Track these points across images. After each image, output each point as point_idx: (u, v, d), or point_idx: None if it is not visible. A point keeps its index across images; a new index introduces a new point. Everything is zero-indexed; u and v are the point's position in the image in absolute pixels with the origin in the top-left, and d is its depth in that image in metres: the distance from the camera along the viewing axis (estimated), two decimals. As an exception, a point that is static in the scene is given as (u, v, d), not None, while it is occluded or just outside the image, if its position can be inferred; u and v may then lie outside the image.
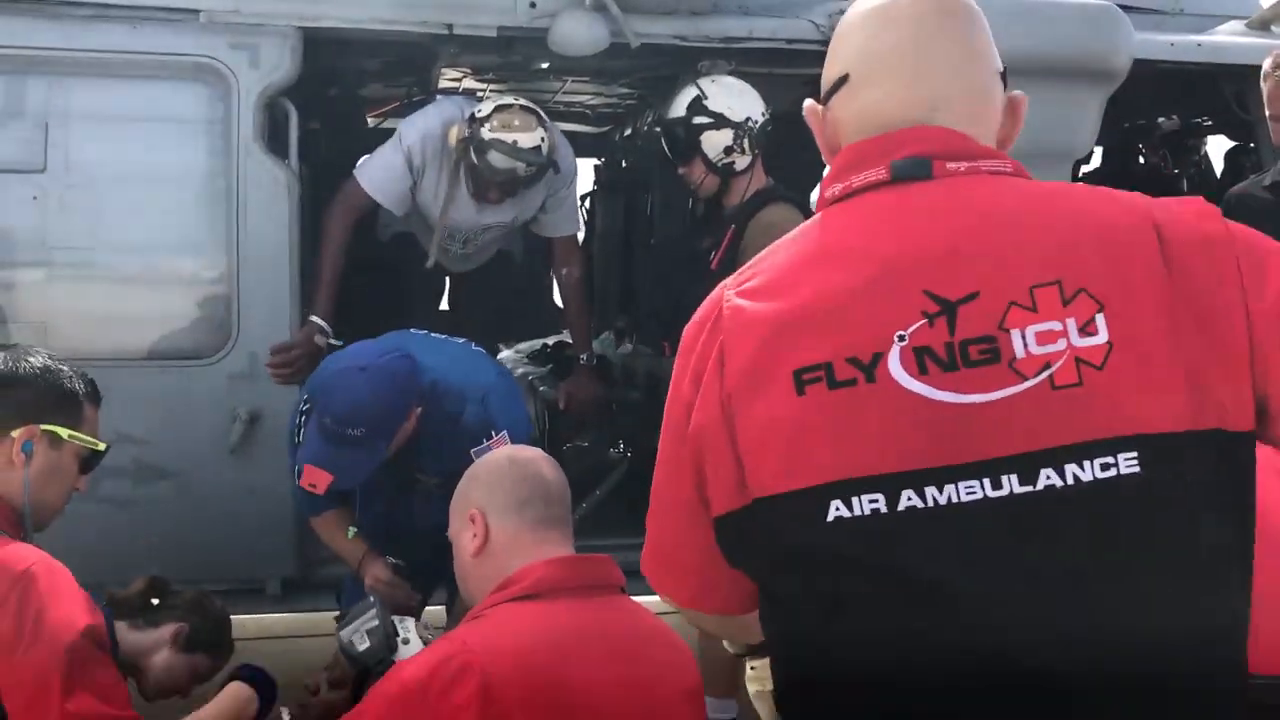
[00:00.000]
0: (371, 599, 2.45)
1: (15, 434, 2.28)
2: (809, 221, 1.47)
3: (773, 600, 1.42)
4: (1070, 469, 1.25)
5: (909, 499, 1.27)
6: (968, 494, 1.26)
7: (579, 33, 3.74)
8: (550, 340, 5.44)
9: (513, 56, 4.24)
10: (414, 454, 3.07)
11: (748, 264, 1.47)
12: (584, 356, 4.44)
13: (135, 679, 2.93)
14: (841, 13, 1.56)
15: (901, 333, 1.31)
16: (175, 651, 2.97)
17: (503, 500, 2.16)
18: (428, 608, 3.43)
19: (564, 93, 5.63)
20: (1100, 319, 1.27)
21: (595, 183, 6.55)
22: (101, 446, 2.44)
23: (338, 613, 2.68)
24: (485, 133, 3.77)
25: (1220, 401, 1.26)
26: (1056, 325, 1.28)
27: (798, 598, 1.37)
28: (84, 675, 2.16)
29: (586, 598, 2.08)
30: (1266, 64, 3.60)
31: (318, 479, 2.86)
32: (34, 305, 3.61)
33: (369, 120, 5.64)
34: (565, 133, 6.76)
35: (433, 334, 3.37)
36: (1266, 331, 1.28)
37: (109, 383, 3.48)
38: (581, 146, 6.70)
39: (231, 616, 3.19)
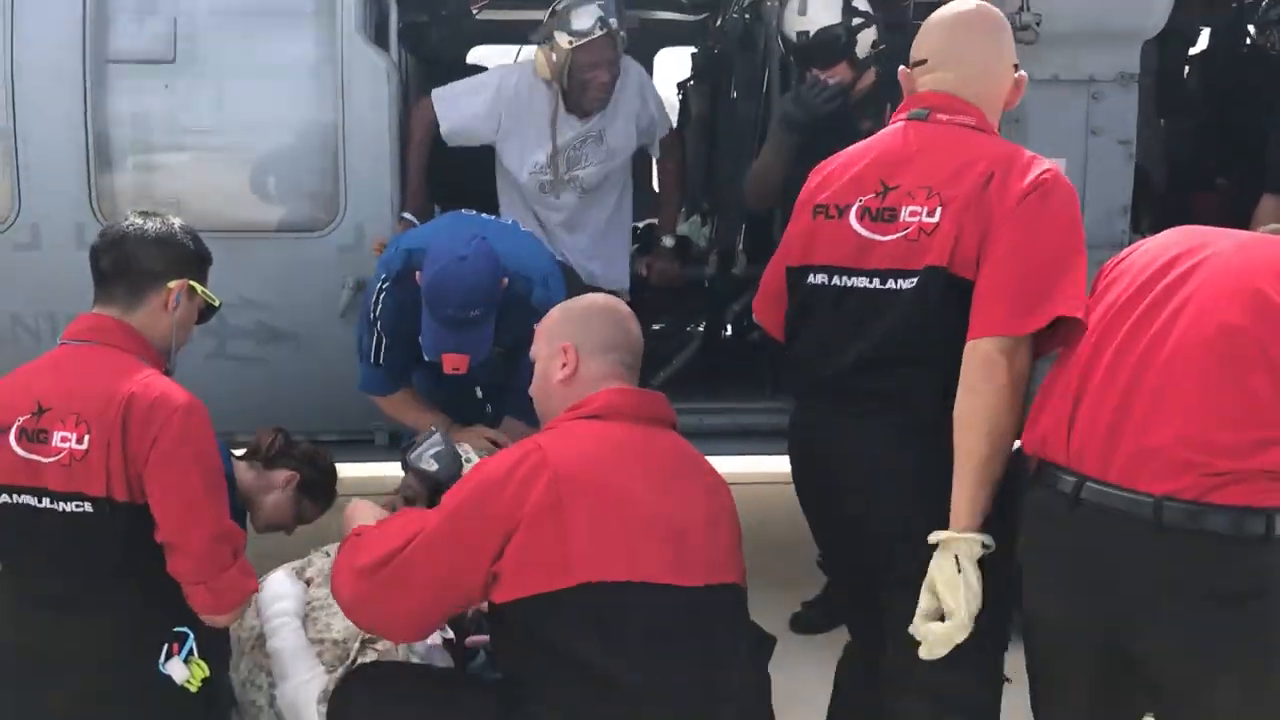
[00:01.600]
0: (434, 429, 2.86)
1: (172, 285, 2.68)
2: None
3: None
4: (898, 280, 2.51)
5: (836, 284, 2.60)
6: (856, 284, 2.57)
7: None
8: (641, 224, 5.73)
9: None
10: None
11: None
12: (667, 238, 4.74)
13: (249, 512, 3.40)
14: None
15: (862, 197, 2.58)
16: (286, 494, 3.42)
17: (595, 341, 2.52)
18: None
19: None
20: (939, 209, 2.46)
21: (691, 71, 6.75)
22: (218, 303, 2.84)
23: (405, 444, 3.07)
24: (561, 4, 4.01)
25: (965, 258, 2.42)
26: (921, 209, 2.48)
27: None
28: (220, 497, 2.60)
29: (640, 425, 2.43)
30: None
31: (459, 362, 3.20)
32: (167, 184, 4.05)
33: (473, 10, 5.93)
34: (661, 20, 6.99)
35: (482, 215, 3.67)
36: (994, 230, 2.41)
37: (234, 253, 3.96)
38: (678, 34, 6.90)
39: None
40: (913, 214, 2.48)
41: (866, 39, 3.98)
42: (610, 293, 3.46)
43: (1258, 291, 2.12)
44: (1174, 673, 2.13)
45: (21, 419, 2.51)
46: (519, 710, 2.25)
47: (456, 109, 4.17)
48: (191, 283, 2.73)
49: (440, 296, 3.17)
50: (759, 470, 4.68)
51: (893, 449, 2.51)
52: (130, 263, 2.66)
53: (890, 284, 2.50)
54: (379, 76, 3.98)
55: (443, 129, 4.17)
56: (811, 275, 2.62)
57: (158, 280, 2.67)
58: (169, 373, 2.69)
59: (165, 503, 2.50)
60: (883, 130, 2.72)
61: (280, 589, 3.11)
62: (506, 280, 3.31)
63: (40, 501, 2.51)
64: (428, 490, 2.86)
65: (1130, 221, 4.18)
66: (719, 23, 6.18)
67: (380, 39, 4.05)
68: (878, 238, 2.52)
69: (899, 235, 2.49)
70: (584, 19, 3.98)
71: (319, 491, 3.55)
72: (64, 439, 2.49)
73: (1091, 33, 4.03)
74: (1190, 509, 2.05)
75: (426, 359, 3.34)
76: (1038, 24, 3.98)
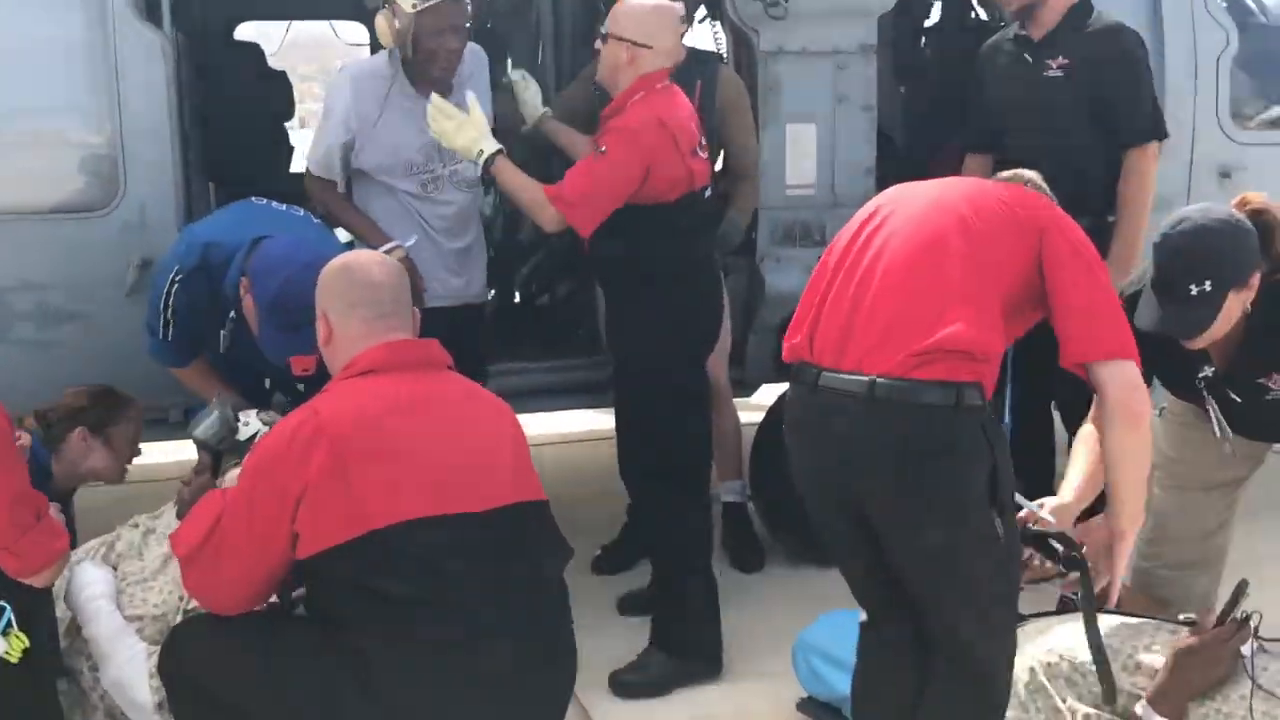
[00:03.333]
0: (212, 402, 3.03)
1: None
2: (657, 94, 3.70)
3: None
4: None
5: None
6: None
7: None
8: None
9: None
10: None
11: None
12: None
13: (105, 481, 3.47)
14: None
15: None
16: (94, 446, 3.48)
17: (341, 303, 2.66)
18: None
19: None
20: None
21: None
22: None
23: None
24: None
25: None
26: None
27: None
28: (10, 466, 2.68)
29: (410, 371, 2.61)
30: None
31: (308, 364, 3.21)
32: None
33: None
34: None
35: (271, 203, 3.73)
36: None
37: (11, 236, 3.90)
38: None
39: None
40: None
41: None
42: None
43: (959, 215, 2.64)
44: (891, 517, 2.59)
45: None
46: (337, 638, 2.43)
47: (317, 148, 3.98)
48: None
49: (287, 307, 3.22)
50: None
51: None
52: None
53: None
54: (154, 53, 3.98)
55: (312, 170, 4.01)
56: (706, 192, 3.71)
57: None
58: None
59: None
60: None
61: (85, 578, 3.14)
62: None
63: None
64: (211, 460, 3.02)
65: (876, 181, 4.64)
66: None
67: (153, 16, 4.04)
68: None
69: None
70: None
71: (109, 416, 3.61)
72: None
73: (833, 9, 4.45)
74: (897, 384, 2.51)
75: (270, 362, 3.41)
76: (786, 1, 4.37)
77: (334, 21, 7.19)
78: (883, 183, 4.65)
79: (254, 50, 6.49)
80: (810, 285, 2.80)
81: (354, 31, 7.35)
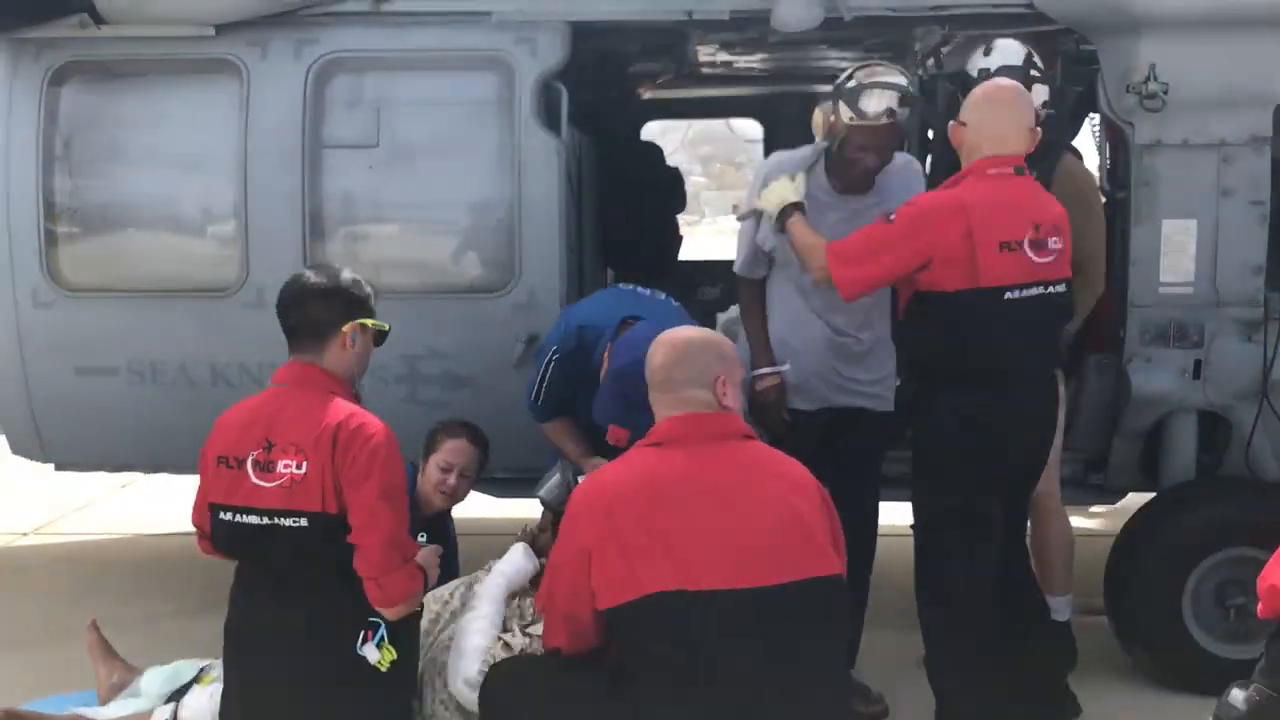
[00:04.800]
0: (557, 465, 3.33)
1: (345, 329, 3.21)
2: (980, 179, 3.58)
3: None
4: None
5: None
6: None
7: (797, 12, 4.36)
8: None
9: (748, 33, 4.90)
10: None
11: None
12: None
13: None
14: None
15: (1022, 237, 3.51)
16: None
17: (654, 379, 2.89)
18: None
19: (817, 59, 6.21)
20: (1052, 241, 3.55)
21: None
22: (386, 326, 3.34)
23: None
24: (855, 80, 3.81)
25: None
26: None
27: None
28: (398, 510, 3.10)
29: (697, 445, 2.76)
30: None
31: (622, 436, 3.58)
32: (370, 251, 4.67)
33: (639, 92, 6.48)
34: (820, 93, 7.36)
35: (638, 289, 4.07)
36: None
37: (425, 310, 4.52)
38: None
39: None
40: (1035, 246, 3.52)
41: (1039, 94, 4.13)
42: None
43: None
44: None
45: (255, 453, 3.08)
46: (623, 692, 2.65)
47: (739, 251, 4.19)
48: (362, 321, 3.24)
49: (633, 382, 3.32)
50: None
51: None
52: (308, 317, 3.20)
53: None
54: (550, 156, 4.50)
55: (736, 270, 4.22)
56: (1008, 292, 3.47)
57: (333, 327, 3.20)
58: (358, 397, 3.23)
59: (353, 509, 3.03)
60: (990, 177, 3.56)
61: (516, 559, 3.60)
62: None
63: (264, 520, 3.06)
64: (553, 519, 3.34)
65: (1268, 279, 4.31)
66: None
67: (552, 123, 4.57)
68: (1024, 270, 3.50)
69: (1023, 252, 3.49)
70: (874, 103, 3.78)
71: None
72: (286, 466, 3.04)
73: (1219, 101, 4.21)
74: None
75: (594, 419, 3.76)
76: (1166, 94, 4.20)
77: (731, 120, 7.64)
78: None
79: (653, 149, 7.05)
80: None
81: (750, 127, 7.81)
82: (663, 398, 2.87)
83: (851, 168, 3.92)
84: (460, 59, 4.59)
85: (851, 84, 3.82)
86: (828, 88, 6.79)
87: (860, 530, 3.82)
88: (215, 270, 4.66)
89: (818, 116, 3.96)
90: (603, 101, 5.70)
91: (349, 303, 3.24)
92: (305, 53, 4.54)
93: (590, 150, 5.19)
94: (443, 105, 4.64)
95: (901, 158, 4.09)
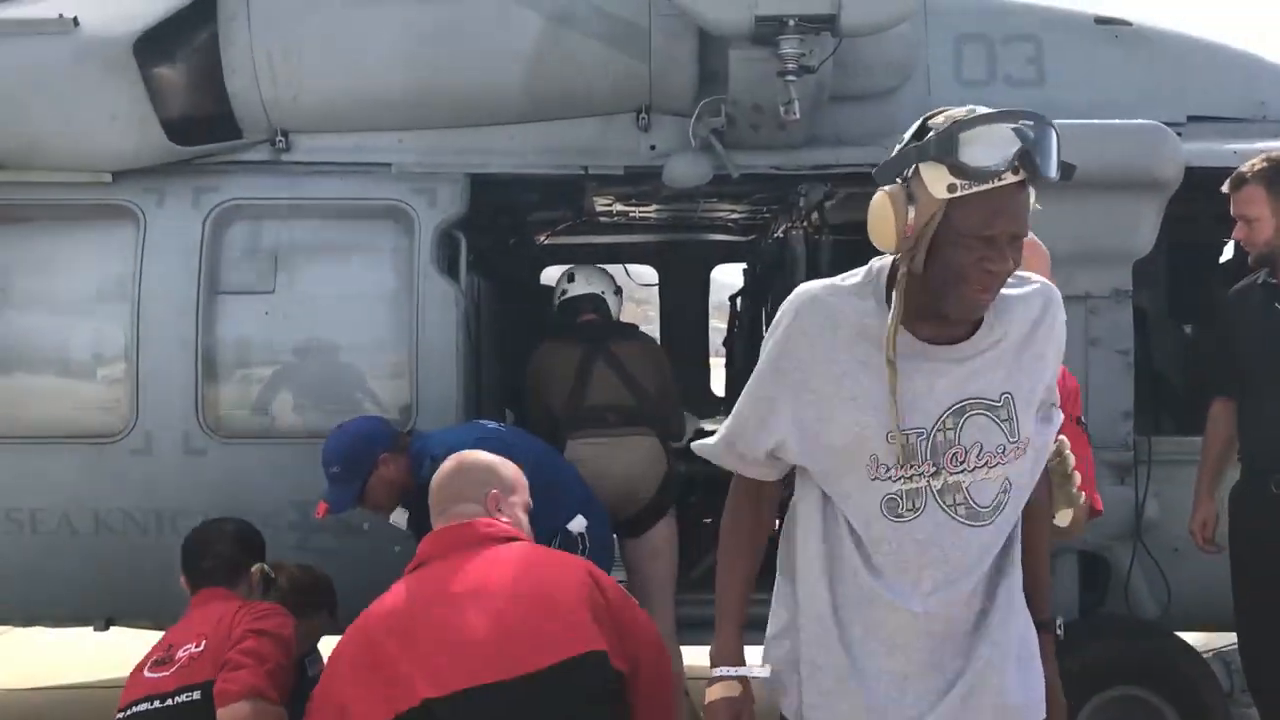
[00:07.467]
0: None
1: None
2: None
3: None
4: None
5: None
6: None
7: (687, 169, 4.56)
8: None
9: (642, 187, 5.09)
10: None
11: None
12: None
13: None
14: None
15: None
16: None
17: (433, 505, 2.99)
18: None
19: (704, 210, 6.45)
20: None
21: (742, 285, 7.33)
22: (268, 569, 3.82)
23: None
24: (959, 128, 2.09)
25: None
26: None
27: None
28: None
29: (447, 558, 2.81)
30: None
31: (319, 510, 4.06)
32: (263, 394, 4.64)
33: (540, 239, 6.64)
34: (714, 241, 7.60)
35: (489, 423, 4.28)
36: None
37: (318, 456, 4.48)
38: (731, 253, 7.52)
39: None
40: None
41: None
42: None
43: None
44: None
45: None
46: None
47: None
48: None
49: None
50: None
51: None
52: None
53: None
54: (448, 302, 4.56)
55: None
56: None
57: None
58: None
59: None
60: None
61: None
62: (391, 460, 4.05)
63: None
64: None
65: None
66: (765, 242, 6.81)
67: (451, 270, 4.64)
68: None
69: None
70: (990, 149, 2.08)
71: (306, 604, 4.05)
72: (185, 650, 3.19)
73: (1083, 254, 4.45)
74: None
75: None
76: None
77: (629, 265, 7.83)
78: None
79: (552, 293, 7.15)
80: None
81: (645, 272, 8.01)
82: (437, 520, 2.95)
83: (967, 280, 2.13)
84: (360, 208, 4.67)
85: (944, 126, 2.11)
86: (726, 237, 7.28)
87: None
88: (102, 415, 4.59)
89: (878, 211, 2.17)
90: (502, 248, 5.82)
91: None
92: (204, 200, 4.58)
93: (490, 295, 5.27)
94: (341, 252, 4.71)
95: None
